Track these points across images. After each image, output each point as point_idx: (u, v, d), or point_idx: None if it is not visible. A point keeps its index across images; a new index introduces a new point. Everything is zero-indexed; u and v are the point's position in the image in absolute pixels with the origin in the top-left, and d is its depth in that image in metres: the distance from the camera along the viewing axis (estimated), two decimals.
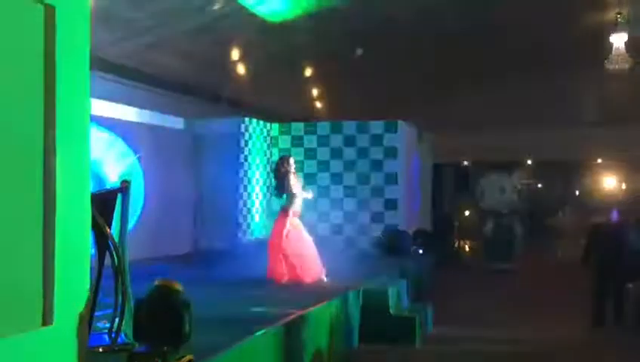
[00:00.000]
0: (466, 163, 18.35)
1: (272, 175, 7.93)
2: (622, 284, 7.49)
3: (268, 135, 11.67)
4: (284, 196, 7.26)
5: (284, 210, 7.23)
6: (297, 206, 7.24)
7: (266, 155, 11.60)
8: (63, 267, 2.59)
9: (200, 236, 10.77)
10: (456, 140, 15.77)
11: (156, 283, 3.15)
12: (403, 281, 7.68)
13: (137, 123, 9.54)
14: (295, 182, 7.22)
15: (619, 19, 10.82)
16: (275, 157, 11.12)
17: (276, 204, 10.98)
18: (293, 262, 7.08)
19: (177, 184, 10.33)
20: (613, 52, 10.94)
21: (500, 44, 12.12)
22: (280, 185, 7.23)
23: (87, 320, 2.80)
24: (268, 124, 11.68)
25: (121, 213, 3.61)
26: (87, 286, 2.77)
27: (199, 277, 7.04)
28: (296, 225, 7.22)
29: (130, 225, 3.74)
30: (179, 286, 3.20)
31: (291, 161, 7.28)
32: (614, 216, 7.85)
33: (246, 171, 10.95)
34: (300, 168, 11.39)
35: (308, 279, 7.02)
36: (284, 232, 7.13)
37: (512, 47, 12.25)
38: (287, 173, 7.16)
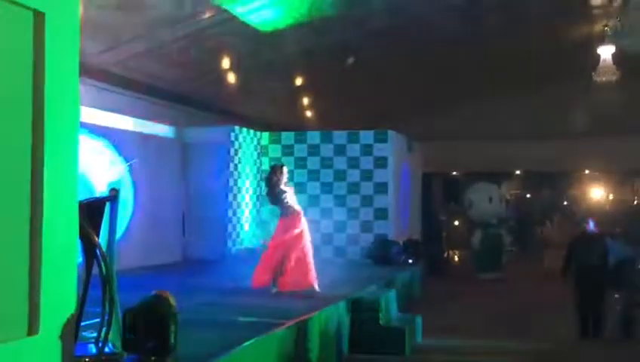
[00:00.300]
0: (455, 173, 18.42)
1: (262, 184, 7.89)
2: (601, 296, 7.41)
3: (258, 144, 11.66)
4: (278, 206, 7.19)
5: (284, 216, 7.07)
6: (297, 208, 7.11)
7: (256, 164, 11.59)
8: (49, 275, 2.56)
9: (189, 245, 10.71)
10: (445, 150, 15.84)
11: (152, 294, 3.13)
12: (392, 291, 7.67)
13: (127, 131, 9.51)
14: (287, 191, 7.13)
15: (606, 32, 10.95)
16: (266, 166, 11.12)
17: (266, 213, 11.01)
18: (295, 265, 6.98)
19: (167, 192, 10.28)
20: (600, 64, 11.06)
21: (489, 55, 12.23)
22: (272, 195, 7.19)
23: (73, 329, 2.76)
24: (258, 133, 11.68)
25: (109, 221, 3.58)
26: (74, 295, 2.74)
27: (188, 286, 7.00)
28: (305, 227, 7.09)
29: (119, 233, 3.71)
30: (171, 298, 3.16)
31: (284, 170, 7.20)
32: (591, 226, 7.73)
33: (236, 180, 10.93)
34: (290, 178, 11.39)
35: (303, 285, 6.93)
36: (296, 231, 6.97)
37: (500, 58, 12.37)
38: (278, 182, 7.10)
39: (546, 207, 18.88)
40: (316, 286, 7.01)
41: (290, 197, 7.14)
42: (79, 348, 3.21)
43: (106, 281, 3.44)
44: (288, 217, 7.05)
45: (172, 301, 3.37)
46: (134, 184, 9.41)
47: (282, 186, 7.12)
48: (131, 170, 9.16)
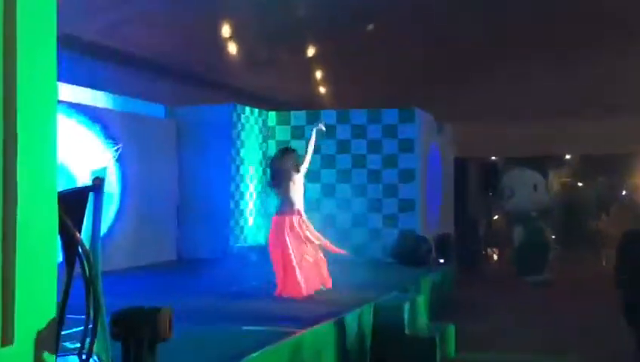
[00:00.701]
0: (493, 157, 18.31)
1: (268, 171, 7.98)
2: None
3: (264, 125, 11.67)
4: (277, 195, 7.29)
5: (277, 213, 7.21)
6: (297, 203, 7.20)
7: (261, 149, 11.61)
8: (25, 277, 2.58)
9: (185, 242, 10.78)
10: (482, 131, 15.72)
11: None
12: (421, 296, 7.70)
13: (112, 111, 9.55)
14: (291, 181, 7.17)
15: None
16: (273, 152, 11.11)
17: (273, 205, 11.03)
18: (295, 268, 7.09)
19: (159, 182, 10.34)
20: None
21: (533, 16, 12.02)
22: (272, 184, 7.28)
23: (53, 339, 2.79)
24: (264, 113, 11.69)
25: (93, 214, 3.60)
26: (54, 300, 2.77)
27: (186, 289, 7.05)
28: (300, 223, 7.21)
29: (104, 229, 3.75)
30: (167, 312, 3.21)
31: (293, 155, 7.29)
32: None
33: (238, 167, 10.95)
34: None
35: (305, 291, 7.03)
36: (285, 233, 7.10)
37: (548, 20, 12.13)
38: (280, 169, 7.18)
39: (601, 197, 18.72)
40: (324, 287, 7.09)
41: (293, 189, 7.15)
42: (60, 361, 3.25)
43: (90, 284, 3.47)
44: (279, 215, 7.14)
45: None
46: (121, 172, 9.46)
47: (289, 174, 7.15)
48: (118, 156, 9.21)
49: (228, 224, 10.68)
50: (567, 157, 18.55)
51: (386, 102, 11.83)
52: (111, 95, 9.79)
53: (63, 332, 3.21)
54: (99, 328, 3.48)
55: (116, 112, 9.64)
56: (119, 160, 9.29)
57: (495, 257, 15.98)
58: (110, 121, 9.30)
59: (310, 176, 11.17)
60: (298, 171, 7.25)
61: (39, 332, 2.68)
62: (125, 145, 9.36)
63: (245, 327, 5.45)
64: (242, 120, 11.10)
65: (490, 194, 16.71)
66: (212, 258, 10.02)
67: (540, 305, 10.43)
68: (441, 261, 10.77)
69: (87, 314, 3.52)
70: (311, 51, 11.99)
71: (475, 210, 15.92)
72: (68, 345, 3.69)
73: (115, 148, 9.10)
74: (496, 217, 16.56)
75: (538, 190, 14.36)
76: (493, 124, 15.84)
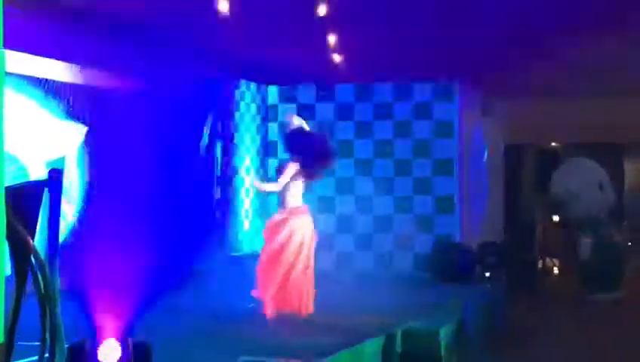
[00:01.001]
0: (553, 144, 18.23)
1: (269, 161, 8.12)
2: None
3: (263, 103, 11.66)
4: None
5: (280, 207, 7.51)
6: (296, 198, 7.42)
7: (259, 133, 11.60)
8: None
9: (163, 249, 10.80)
10: (538, 111, 15.65)
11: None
12: (461, 320, 7.75)
13: (69, 84, 9.57)
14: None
15: None
16: (274, 137, 11.12)
17: (274, 204, 11.05)
18: (292, 284, 7.28)
19: (130, 174, 10.37)
20: None
21: None
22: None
23: None
24: (263, 87, 11.68)
25: (49, 216, 3.61)
26: (0, 321, 2.77)
27: (162, 310, 7.06)
28: (300, 227, 7.39)
29: (64, 233, 3.76)
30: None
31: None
32: None
33: (230, 157, 10.95)
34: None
35: (305, 309, 7.28)
36: (280, 238, 7.30)
37: None
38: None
39: None
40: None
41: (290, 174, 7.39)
42: None
43: (47, 302, 3.48)
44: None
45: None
46: (84, 163, 9.50)
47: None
48: (82, 141, 9.26)
49: (217, 228, 10.68)
50: None
51: (418, 74, 11.79)
52: (75, 66, 9.82)
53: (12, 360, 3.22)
54: (56, 355, 3.49)
55: (76, 86, 9.66)
56: (84, 146, 9.33)
57: (556, 270, 15.93)
58: (73, 97, 9.34)
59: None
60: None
61: None
62: (88, 127, 9.39)
63: (244, 358, 5.45)
64: (235, 96, 11.09)
65: (550, 191, 16.62)
66: (196, 269, 10.02)
67: (614, 331, 10.37)
68: (487, 275, 10.74)
69: (43, 341, 3.52)
70: (323, 10, 11.95)
71: (529, 211, 15.85)
72: None
73: (79, 132, 9.13)
74: (556, 219, 16.49)
75: (604, 188, 14.27)
76: (553, 101, 15.76)
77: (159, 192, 10.73)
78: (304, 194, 7.54)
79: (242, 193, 11.20)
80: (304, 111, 11.52)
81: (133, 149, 10.44)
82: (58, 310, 3.55)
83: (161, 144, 10.80)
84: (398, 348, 6.70)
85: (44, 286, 3.49)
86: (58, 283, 3.60)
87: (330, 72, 12.93)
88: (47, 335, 3.50)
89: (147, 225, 10.66)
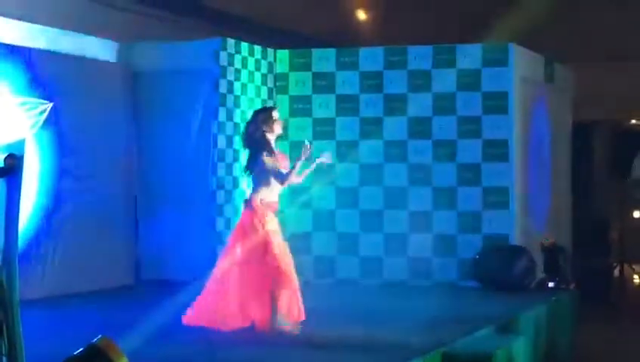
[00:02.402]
0: (634, 121, 18.13)
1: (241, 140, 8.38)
2: None
3: (270, 71, 11.67)
4: (250, 176, 7.75)
5: (248, 203, 7.71)
6: (272, 193, 7.65)
7: (264, 105, 11.58)
8: None
9: (147, 252, 10.84)
10: (616, 80, 15.58)
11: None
12: (520, 339, 7.71)
13: (38, 50, 9.61)
14: (273, 153, 7.58)
15: None
16: (284, 112, 11.12)
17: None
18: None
19: (107, 159, 10.39)
20: None
21: None
22: (250, 156, 7.72)
23: None
24: (270, 51, 11.68)
25: (6, 210, 3.63)
26: None
27: (145, 331, 7.09)
28: (272, 227, 7.60)
29: (22, 232, 3.79)
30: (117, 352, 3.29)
31: (274, 114, 7.76)
32: None
33: (229, 137, 10.97)
34: (329, 131, 11.42)
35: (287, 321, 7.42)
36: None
37: None
38: (260, 134, 7.63)
39: None
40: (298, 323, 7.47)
41: (276, 161, 7.56)
42: None
43: (4, 316, 3.49)
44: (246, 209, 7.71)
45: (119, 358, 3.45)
46: (49, 145, 9.52)
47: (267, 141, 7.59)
48: (47, 120, 9.27)
49: (214, 224, 10.70)
50: None
51: (461, 36, 11.76)
52: (41, 28, 9.83)
53: None
54: None
55: (45, 53, 9.69)
56: (48, 125, 9.33)
57: (637, 279, 15.89)
58: (36, 66, 9.35)
59: (344, 151, 11.23)
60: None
61: None
62: (58, 102, 9.40)
63: None
64: (235, 63, 11.09)
65: (630, 180, 16.56)
66: (190, 278, 10.02)
67: None
68: (551, 285, 10.71)
69: None
70: None
71: (604, 205, 15.78)
72: None
73: (42, 108, 9.14)
74: (638, 215, 16.44)
75: None
76: (637, 69, 15.66)
77: (151, 182, 10.78)
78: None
79: (243, 183, 11.20)
80: (319, 80, 11.54)
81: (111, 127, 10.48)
82: (17, 325, 3.56)
83: (150, 128, 10.84)
84: None
85: (1, 296, 3.51)
86: (17, 293, 3.62)
87: (352, 32, 12.95)
88: (3, 349, 3.52)
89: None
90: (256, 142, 7.65)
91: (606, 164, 17.25)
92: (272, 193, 7.63)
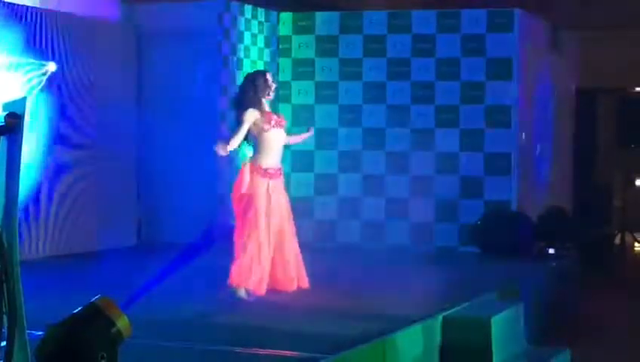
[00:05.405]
0: (639, 89, 18.06)
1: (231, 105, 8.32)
2: None
3: (273, 34, 11.61)
4: (245, 143, 7.72)
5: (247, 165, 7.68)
6: (271, 157, 7.61)
7: (267, 69, 11.55)
8: None
9: (150, 215, 10.84)
10: (620, 45, 15.49)
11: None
12: (518, 305, 7.70)
13: (38, 10, 9.55)
14: (266, 117, 7.55)
15: None
16: (287, 76, 11.08)
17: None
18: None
19: (109, 122, 10.36)
20: None
21: None
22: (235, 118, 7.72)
23: None
24: (273, 14, 11.64)
25: (6, 170, 3.63)
26: None
27: (150, 292, 7.11)
28: (272, 189, 7.59)
29: (22, 194, 3.78)
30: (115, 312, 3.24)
31: (268, 77, 7.70)
32: None
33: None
34: (331, 95, 11.39)
35: (285, 285, 7.57)
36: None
37: None
38: (246, 97, 7.58)
39: None
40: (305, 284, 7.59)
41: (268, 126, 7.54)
42: None
43: (4, 279, 3.49)
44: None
45: (119, 317, 3.43)
46: (51, 107, 9.49)
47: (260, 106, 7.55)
48: (47, 81, 9.23)
49: (215, 190, 10.69)
50: None
51: (463, 2, 11.70)
52: None
53: None
54: (15, 346, 3.50)
55: (45, 13, 9.63)
56: (49, 88, 9.29)
57: (638, 247, 15.87)
58: (36, 27, 9.29)
59: (348, 117, 11.20)
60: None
61: None
62: (60, 63, 9.34)
63: (256, 351, 5.51)
64: (239, 26, 11.05)
65: (633, 148, 16.51)
66: (192, 242, 10.03)
67: None
68: (551, 251, 10.71)
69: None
70: None
71: (606, 173, 15.74)
72: None
73: (43, 69, 9.09)
74: None
75: None
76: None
77: (154, 146, 10.76)
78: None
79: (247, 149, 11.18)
80: (323, 45, 11.48)
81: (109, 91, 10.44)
82: (18, 291, 3.56)
83: (153, 91, 10.80)
84: (439, 340, 6.71)
85: (1, 259, 3.50)
86: (17, 257, 3.61)
87: None
88: (4, 319, 3.51)
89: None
90: (239, 103, 7.64)
91: (609, 131, 17.23)
92: (267, 157, 7.57)
